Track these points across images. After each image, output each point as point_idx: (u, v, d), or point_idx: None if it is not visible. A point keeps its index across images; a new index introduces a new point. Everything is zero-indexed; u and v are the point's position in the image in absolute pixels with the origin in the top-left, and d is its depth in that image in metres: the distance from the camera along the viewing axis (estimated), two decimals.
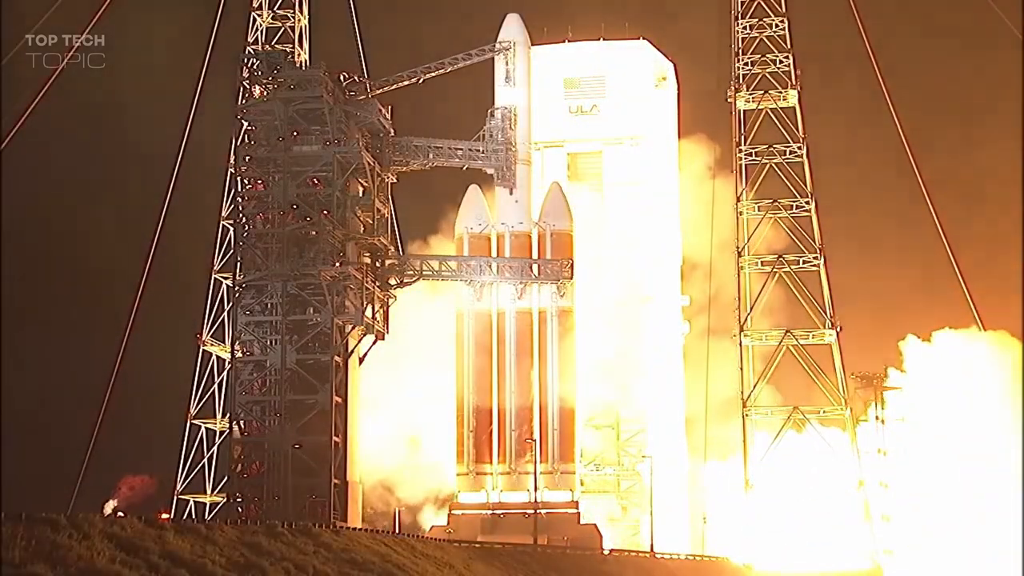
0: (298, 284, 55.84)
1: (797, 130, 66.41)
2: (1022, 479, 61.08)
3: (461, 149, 60.22)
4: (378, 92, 59.53)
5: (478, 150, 60.00)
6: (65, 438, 63.46)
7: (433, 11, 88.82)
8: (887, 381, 65.64)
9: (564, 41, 71.63)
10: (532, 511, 55.26)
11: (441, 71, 60.31)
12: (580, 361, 61.34)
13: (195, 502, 63.14)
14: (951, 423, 64.15)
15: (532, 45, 62.65)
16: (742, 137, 66.54)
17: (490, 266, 59.59)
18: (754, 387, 64.38)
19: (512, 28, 61.46)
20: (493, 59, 61.04)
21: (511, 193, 60.58)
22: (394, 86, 60.01)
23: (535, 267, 59.51)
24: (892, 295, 74.92)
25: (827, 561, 60.94)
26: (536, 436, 58.54)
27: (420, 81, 60.11)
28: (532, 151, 62.18)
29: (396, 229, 61.97)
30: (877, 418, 64.61)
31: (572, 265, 59.35)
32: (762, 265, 65.54)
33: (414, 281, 59.53)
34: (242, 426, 55.81)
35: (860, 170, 78.89)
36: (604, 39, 71.94)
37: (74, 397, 65.18)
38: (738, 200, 66.09)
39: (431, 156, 60.12)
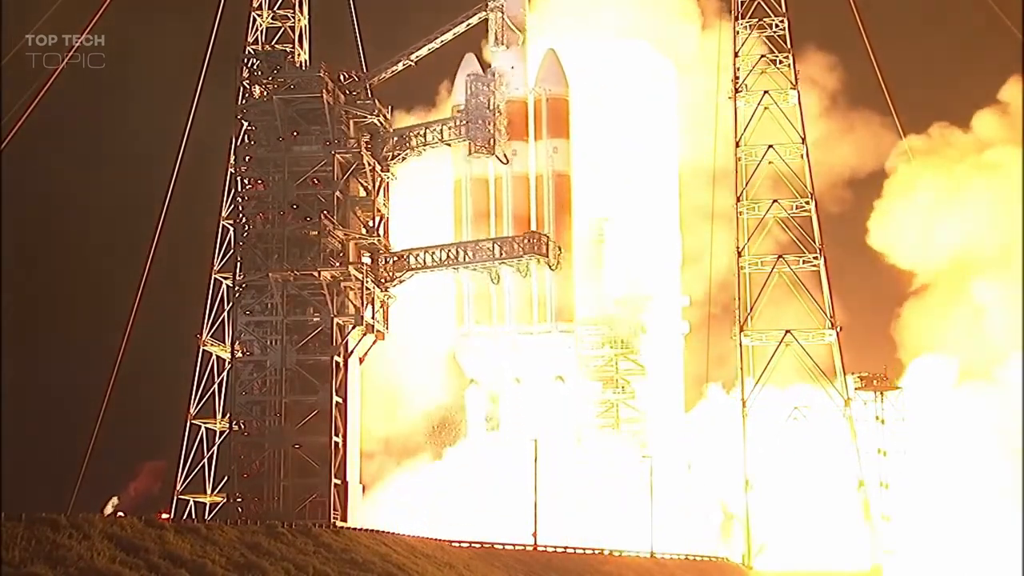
0: (298, 284, 55.87)
1: (797, 130, 66.42)
2: (1022, 479, 61.08)
3: (449, 125, 59.37)
4: (375, 80, 59.36)
5: (462, 121, 58.90)
6: (65, 438, 63.36)
7: None
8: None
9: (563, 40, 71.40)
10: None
11: (433, 44, 59.81)
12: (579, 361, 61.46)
13: (195, 502, 63.06)
14: (951, 424, 64.18)
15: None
16: (742, 137, 66.56)
17: (490, 249, 58.93)
18: (754, 386, 64.34)
19: None
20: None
21: (506, 163, 60.20)
22: (389, 71, 59.85)
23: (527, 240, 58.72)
24: (892, 295, 74.70)
25: (827, 561, 60.88)
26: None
27: (416, 62, 60.01)
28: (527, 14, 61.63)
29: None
30: (877, 418, 64.56)
31: (548, 242, 58.68)
32: (762, 265, 65.55)
33: (408, 277, 59.02)
34: (242, 426, 55.80)
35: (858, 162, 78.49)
36: (604, 39, 71.73)
37: (74, 397, 65.09)
38: (738, 200, 66.05)
39: (416, 140, 59.42)
